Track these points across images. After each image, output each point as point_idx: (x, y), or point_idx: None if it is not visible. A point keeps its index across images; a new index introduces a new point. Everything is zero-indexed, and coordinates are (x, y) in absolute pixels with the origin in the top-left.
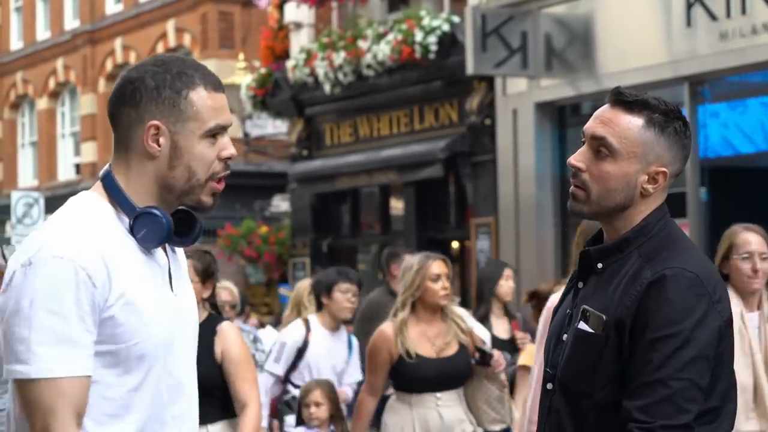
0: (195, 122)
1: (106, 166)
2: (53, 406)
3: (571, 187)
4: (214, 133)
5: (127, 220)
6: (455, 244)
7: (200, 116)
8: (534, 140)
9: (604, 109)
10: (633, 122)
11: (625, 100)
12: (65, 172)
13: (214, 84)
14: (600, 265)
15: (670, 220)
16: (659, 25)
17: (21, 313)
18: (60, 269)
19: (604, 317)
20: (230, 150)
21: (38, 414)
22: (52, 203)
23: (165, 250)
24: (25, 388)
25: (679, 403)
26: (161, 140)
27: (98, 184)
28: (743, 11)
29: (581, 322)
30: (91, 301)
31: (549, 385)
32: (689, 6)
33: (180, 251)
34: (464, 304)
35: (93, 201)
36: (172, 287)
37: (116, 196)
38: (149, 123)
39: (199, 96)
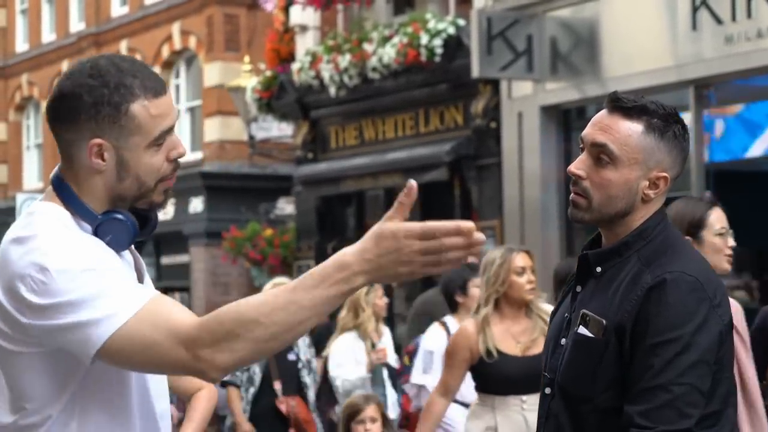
0: (139, 135)
1: (55, 174)
2: (156, 328)
3: (572, 195)
4: (159, 140)
5: (87, 226)
6: None
7: (143, 129)
8: (539, 143)
9: (603, 116)
10: (633, 128)
11: (623, 105)
12: None
13: (155, 89)
14: (599, 269)
15: (668, 223)
16: (664, 28)
17: (53, 308)
18: (65, 259)
19: (604, 322)
20: (179, 149)
21: (147, 344)
22: None
23: (130, 249)
24: (111, 349)
25: (681, 408)
26: (105, 155)
27: (51, 193)
28: (749, 15)
29: (581, 326)
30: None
31: (547, 390)
32: (695, 9)
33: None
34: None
35: (55, 211)
36: (142, 283)
37: (74, 206)
38: (91, 142)
39: (141, 107)
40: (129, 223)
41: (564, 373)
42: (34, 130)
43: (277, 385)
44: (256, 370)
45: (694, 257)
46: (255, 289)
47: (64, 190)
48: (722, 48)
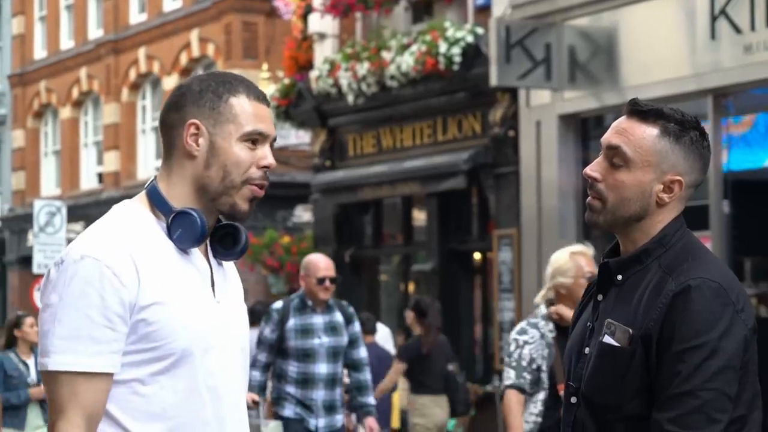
0: (233, 125)
1: (153, 177)
2: (64, 402)
3: (588, 198)
4: (253, 139)
5: (165, 225)
6: (477, 256)
7: (239, 120)
8: (557, 152)
9: (621, 120)
10: (647, 131)
11: (640, 110)
12: (88, 181)
13: (258, 95)
14: (620, 277)
15: (687, 231)
16: (683, 37)
17: (49, 308)
18: (86, 268)
19: (630, 331)
20: (269, 159)
21: (51, 406)
22: (75, 212)
23: (208, 258)
24: (45, 379)
25: (710, 414)
26: (200, 141)
27: (142, 193)
28: None
29: (606, 335)
30: (118, 299)
31: (573, 399)
32: (713, 19)
33: (231, 267)
34: (486, 317)
35: (132, 207)
36: (214, 293)
37: (155, 200)
38: (189, 121)
39: (240, 101)
40: (198, 220)
41: (588, 382)
42: (52, 136)
43: (562, 390)
44: (543, 366)
45: (715, 263)
46: (272, 296)
47: (152, 188)
48: (741, 57)
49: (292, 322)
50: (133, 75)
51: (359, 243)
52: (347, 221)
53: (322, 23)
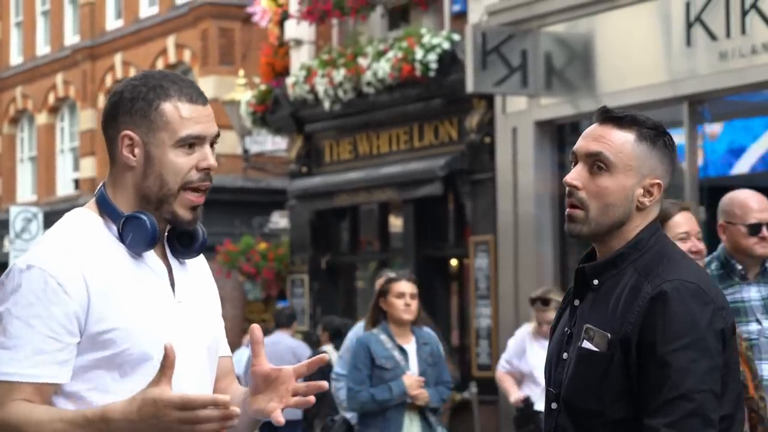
0: (166, 132)
1: (101, 183)
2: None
3: (567, 210)
4: (189, 143)
5: (116, 229)
6: (454, 262)
7: (171, 126)
8: (533, 158)
9: (594, 128)
10: (626, 137)
11: (614, 116)
12: (64, 187)
13: (191, 96)
14: (596, 282)
15: (663, 234)
16: (659, 44)
17: None
18: (30, 278)
19: (609, 335)
20: (209, 161)
21: None
22: (51, 218)
23: (166, 259)
24: None
25: (705, 415)
26: (136, 150)
27: (92, 200)
28: (743, 31)
29: (584, 340)
30: (63, 311)
31: (553, 405)
32: (689, 26)
33: (198, 266)
34: (463, 324)
35: (82, 215)
36: (174, 293)
37: (104, 207)
38: (122, 133)
39: (172, 107)
40: (149, 223)
41: (568, 388)
42: (28, 142)
43: None
44: None
45: (690, 266)
46: (249, 303)
47: (100, 195)
48: (716, 64)
49: None
50: (109, 81)
51: (336, 249)
52: (324, 227)
53: (298, 29)
